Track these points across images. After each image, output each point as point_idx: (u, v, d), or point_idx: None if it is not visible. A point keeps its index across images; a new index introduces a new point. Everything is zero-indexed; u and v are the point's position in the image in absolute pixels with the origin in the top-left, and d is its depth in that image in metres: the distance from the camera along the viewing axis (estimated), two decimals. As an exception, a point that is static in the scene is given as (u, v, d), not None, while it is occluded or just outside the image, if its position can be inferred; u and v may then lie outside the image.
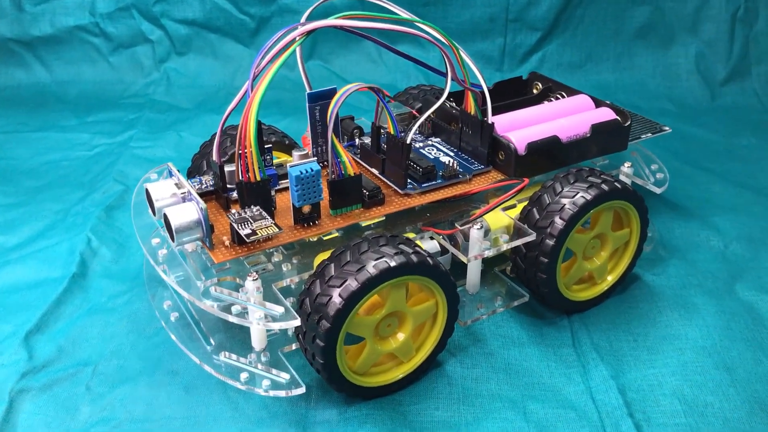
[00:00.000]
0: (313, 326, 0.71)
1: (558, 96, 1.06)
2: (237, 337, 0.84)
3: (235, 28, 1.58)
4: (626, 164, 0.97)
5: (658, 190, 0.94)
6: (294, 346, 0.80)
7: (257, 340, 0.78)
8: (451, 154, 0.94)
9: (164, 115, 1.43)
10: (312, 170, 0.77)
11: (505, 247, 0.81)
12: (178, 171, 0.80)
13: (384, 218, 0.85)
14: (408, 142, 0.83)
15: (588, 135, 0.94)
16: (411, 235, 0.85)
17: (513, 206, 0.89)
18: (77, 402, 0.78)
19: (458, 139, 0.94)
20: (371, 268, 0.71)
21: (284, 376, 0.75)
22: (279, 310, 0.71)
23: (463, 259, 0.80)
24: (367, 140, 0.94)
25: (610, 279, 0.92)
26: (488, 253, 0.80)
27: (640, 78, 1.55)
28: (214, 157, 0.80)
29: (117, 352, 0.85)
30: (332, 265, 0.73)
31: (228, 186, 0.83)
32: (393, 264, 0.72)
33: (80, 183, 1.20)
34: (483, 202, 0.90)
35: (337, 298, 0.70)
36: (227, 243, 0.76)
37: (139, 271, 0.98)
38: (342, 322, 0.71)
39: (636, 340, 0.86)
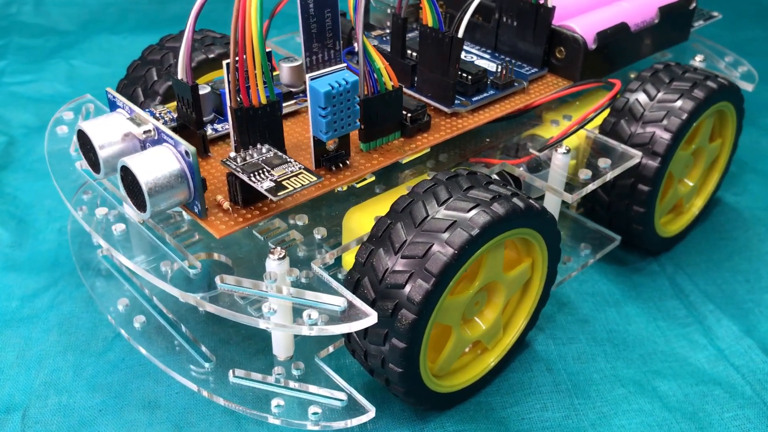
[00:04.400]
0: (386, 320, 0.46)
1: (589, -22, 0.83)
2: (232, 341, 0.58)
3: None
4: (698, 57, 0.76)
5: (749, 87, 0.74)
6: (331, 348, 0.55)
7: (283, 344, 0.52)
8: (487, 56, 0.69)
9: (40, 39, 1.07)
10: (346, 82, 0.50)
11: (609, 176, 0.59)
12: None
13: (428, 150, 0.60)
14: (460, 36, 0.58)
15: (656, 21, 0.72)
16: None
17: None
18: (6, 475, 0.50)
19: (492, 35, 0.70)
20: (468, 223, 0.47)
21: (338, 397, 0.50)
22: (339, 303, 0.45)
23: (567, 197, 0.57)
24: (376, 43, 0.68)
25: (699, 204, 0.72)
26: (590, 188, 0.58)
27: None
28: (180, 74, 0.52)
29: (54, 384, 0.56)
30: (400, 225, 0.48)
31: (204, 118, 0.55)
32: (501, 213, 0.47)
33: (-61, 137, 0.86)
34: (538, 118, 0.67)
35: (423, 275, 0.46)
36: (226, 206, 0.49)
37: (57, 255, 0.68)
38: (432, 309, 0.47)
39: (749, 281, 0.68)
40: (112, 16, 1.13)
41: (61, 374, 0.56)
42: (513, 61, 0.68)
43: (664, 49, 0.76)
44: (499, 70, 0.64)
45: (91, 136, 0.49)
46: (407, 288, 0.46)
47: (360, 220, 0.55)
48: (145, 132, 0.48)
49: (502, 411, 0.55)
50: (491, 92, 0.63)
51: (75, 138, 0.57)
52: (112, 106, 0.53)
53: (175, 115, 0.55)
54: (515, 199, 0.49)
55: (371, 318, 0.44)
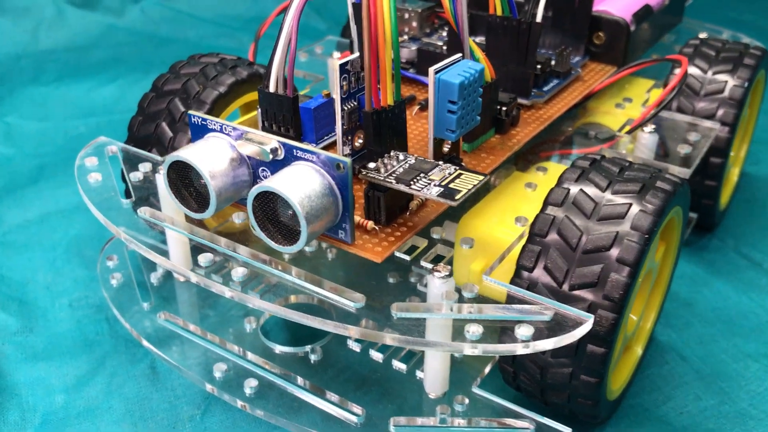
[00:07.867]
0: (578, 325, 0.41)
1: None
2: (348, 390, 0.50)
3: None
4: (701, 35, 0.76)
5: (759, 56, 0.76)
6: (479, 380, 0.48)
7: (440, 379, 0.45)
8: (518, 51, 0.66)
9: (-49, 100, 0.92)
10: (474, 70, 0.45)
11: (705, 147, 0.57)
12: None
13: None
14: (539, 20, 0.54)
15: (666, 3, 0.72)
16: (563, 167, 0.56)
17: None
18: None
19: (523, 29, 0.67)
20: (646, 204, 0.43)
21: (524, 426, 0.44)
22: (545, 313, 0.39)
23: (684, 172, 0.54)
24: (423, 41, 0.63)
25: (737, 172, 0.73)
26: (698, 160, 0.56)
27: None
28: (273, 87, 0.44)
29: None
30: (567, 218, 0.43)
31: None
32: (669, 190, 0.44)
33: None
34: (582, 108, 0.65)
35: (617, 267, 0.41)
36: (370, 226, 0.42)
37: (84, 333, 0.56)
38: (627, 305, 0.42)
39: (807, 242, 0.69)
40: (27, 67, 0.99)
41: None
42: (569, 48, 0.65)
43: (669, 30, 0.77)
44: (558, 58, 0.61)
45: (198, 167, 0.40)
46: (602, 285, 0.41)
47: (484, 227, 0.49)
48: (272, 150, 0.40)
49: (656, 410, 0.51)
50: (555, 81, 0.60)
51: (125, 183, 0.48)
52: (199, 130, 0.44)
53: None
54: (668, 175, 0.46)
55: (588, 324, 0.39)
